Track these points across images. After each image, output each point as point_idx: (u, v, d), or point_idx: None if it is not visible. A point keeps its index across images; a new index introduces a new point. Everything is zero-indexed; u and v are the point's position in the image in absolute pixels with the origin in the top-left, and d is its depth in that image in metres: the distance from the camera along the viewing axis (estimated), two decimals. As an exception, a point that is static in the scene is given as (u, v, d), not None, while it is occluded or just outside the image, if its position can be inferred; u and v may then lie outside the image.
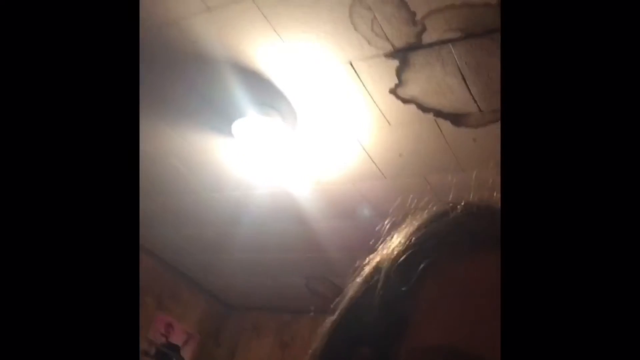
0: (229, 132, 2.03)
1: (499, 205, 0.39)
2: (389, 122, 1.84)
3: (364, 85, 1.72)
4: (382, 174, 2.11)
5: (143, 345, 3.39)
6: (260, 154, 2.12)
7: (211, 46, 1.72)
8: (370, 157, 2.04)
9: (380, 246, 0.43)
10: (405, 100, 1.73)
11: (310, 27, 1.55)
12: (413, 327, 0.36)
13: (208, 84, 1.88)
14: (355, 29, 1.52)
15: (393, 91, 1.71)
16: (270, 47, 1.66)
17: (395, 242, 0.41)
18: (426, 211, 0.42)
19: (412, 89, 1.68)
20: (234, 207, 2.61)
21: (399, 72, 1.64)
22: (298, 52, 1.65)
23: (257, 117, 1.88)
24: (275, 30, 1.60)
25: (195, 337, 3.75)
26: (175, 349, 3.62)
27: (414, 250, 0.39)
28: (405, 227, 0.42)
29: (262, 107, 1.87)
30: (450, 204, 0.41)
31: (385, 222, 0.46)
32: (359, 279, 0.43)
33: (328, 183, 2.25)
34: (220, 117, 2.01)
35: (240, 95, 1.85)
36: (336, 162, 2.11)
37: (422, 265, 0.37)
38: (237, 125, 1.93)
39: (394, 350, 0.37)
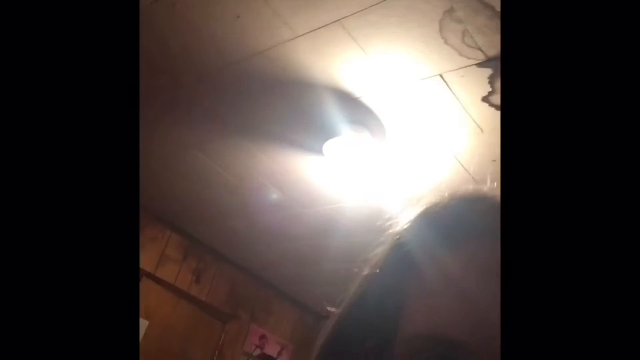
0: (319, 151, 2.07)
1: (494, 195, 0.40)
2: (481, 129, 1.82)
3: (455, 95, 1.70)
4: (475, 180, 2.07)
5: (240, 358, 3.50)
6: (351, 170, 2.15)
7: (302, 71, 1.76)
8: (463, 165, 2.01)
9: (381, 238, 0.44)
10: (498, 107, 1.70)
11: (398, 44, 1.56)
12: (404, 318, 0.37)
13: (298, 107, 1.93)
14: (446, 43, 1.52)
15: (486, 99, 1.68)
16: (358, 67, 1.68)
17: (392, 233, 0.42)
18: (422, 202, 0.43)
19: (506, 96, 1.65)
20: (325, 221, 2.65)
21: (492, 80, 1.61)
22: (387, 68, 1.66)
23: (347, 135, 1.91)
24: (363, 50, 1.62)
25: (288, 347, 3.83)
26: (271, 359, 3.72)
27: (409, 240, 0.40)
28: (402, 218, 0.43)
29: (352, 125, 1.89)
30: (446, 194, 0.42)
31: (386, 216, 0.46)
32: (362, 273, 0.44)
33: (419, 193, 2.24)
34: (311, 137, 2.05)
35: (330, 115, 1.89)
36: (428, 173, 2.10)
37: (416, 255, 0.39)
38: (328, 145, 1.96)
39: (392, 338, 0.37)
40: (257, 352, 3.63)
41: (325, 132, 1.97)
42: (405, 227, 0.42)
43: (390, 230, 0.43)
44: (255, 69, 1.80)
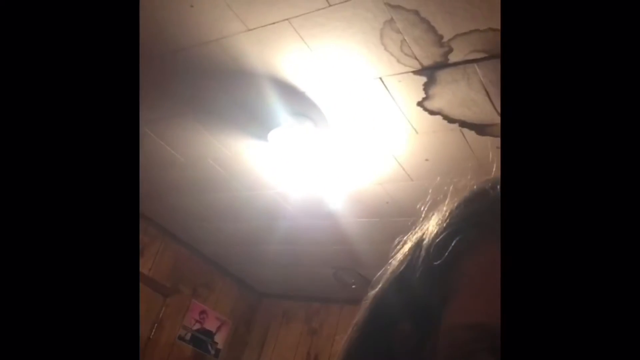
0: (265, 139, 2.17)
1: None
2: (416, 131, 1.95)
3: (392, 98, 1.83)
4: (409, 176, 2.22)
5: (179, 331, 3.59)
6: (294, 159, 2.26)
7: (251, 62, 1.85)
8: (399, 162, 2.15)
9: (422, 223, 0.43)
10: (432, 112, 1.84)
11: (343, 46, 1.67)
12: (453, 305, 0.36)
13: (247, 96, 2.02)
14: (386, 49, 1.63)
15: (420, 104, 1.82)
16: (305, 63, 1.78)
17: (435, 220, 0.41)
18: (467, 190, 0.41)
19: (438, 102, 1.79)
20: (269, 204, 2.76)
21: (427, 87, 1.74)
22: (331, 67, 1.77)
23: (291, 125, 2.01)
24: (309, 48, 1.72)
25: (227, 323, 3.94)
26: (209, 334, 3.82)
27: (452, 229, 0.38)
28: (446, 206, 0.41)
29: (296, 117, 2.00)
30: (490, 183, 0.40)
31: (427, 199, 0.45)
32: (400, 255, 0.43)
33: (357, 184, 2.37)
34: (257, 125, 2.15)
35: (275, 106, 1.98)
36: (365, 165, 2.23)
37: (460, 244, 0.37)
38: (273, 133, 2.06)
39: (434, 327, 0.36)
40: (197, 326, 3.72)
41: (270, 122, 2.06)
42: (449, 216, 0.40)
43: (433, 217, 0.41)
44: (207, 56, 1.88)
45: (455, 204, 0.41)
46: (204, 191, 2.82)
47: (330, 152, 2.19)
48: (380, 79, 1.75)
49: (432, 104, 1.80)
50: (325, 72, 1.80)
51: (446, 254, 0.37)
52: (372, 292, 0.43)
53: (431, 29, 1.51)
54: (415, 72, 1.69)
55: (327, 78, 1.82)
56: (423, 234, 0.41)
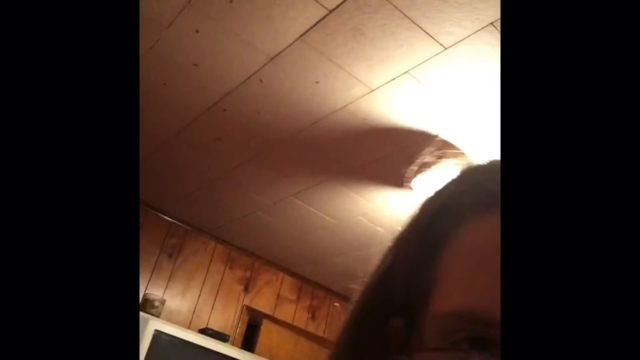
0: (409, 187, 2.20)
1: None
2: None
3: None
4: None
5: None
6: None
7: (380, 118, 1.92)
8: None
9: (403, 215, 0.41)
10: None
11: (467, 84, 1.67)
12: (434, 294, 0.34)
13: (382, 149, 2.08)
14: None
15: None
16: (434, 110, 1.81)
17: (414, 211, 0.40)
18: (442, 175, 0.41)
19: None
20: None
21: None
22: (460, 107, 1.77)
23: (432, 168, 2.02)
24: (434, 93, 1.74)
25: None
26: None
27: (433, 216, 0.37)
28: (424, 196, 0.40)
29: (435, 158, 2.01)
30: (466, 166, 0.39)
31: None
32: (384, 249, 0.42)
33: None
34: (399, 175, 2.19)
35: (412, 151, 2.02)
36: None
37: (435, 235, 0.36)
38: (416, 180, 2.09)
39: (420, 319, 0.35)
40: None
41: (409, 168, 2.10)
42: (428, 204, 0.39)
43: (414, 208, 0.41)
44: (338, 122, 1.98)
45: (434, 193, 0.40)
46: (359, 248, 2.90)
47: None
48: (513, 105, 1.72)
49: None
50: (454, 112, 1.80)
51: (434, 244, 0.36)
52: (361, 290, 0.42)
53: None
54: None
55: (456, 117, 1.82)
56: (403, 227, 0.41)
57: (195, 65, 1.89)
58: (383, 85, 1.77)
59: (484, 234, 0.33)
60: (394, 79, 1.73)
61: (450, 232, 0.35)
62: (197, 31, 1.74)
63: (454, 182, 0.39)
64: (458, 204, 0.36)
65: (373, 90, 1.80)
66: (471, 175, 0.38)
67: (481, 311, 0.30)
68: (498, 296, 0.29)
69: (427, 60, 1.63)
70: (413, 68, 1.67)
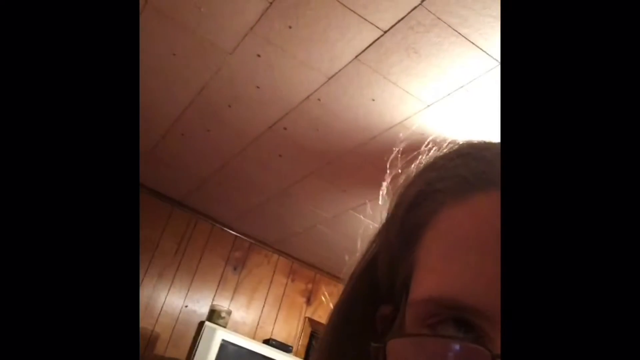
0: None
1: (493, 144, 0.37)
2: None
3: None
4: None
5: None
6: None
7: (436, 132, 1.95)
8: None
9: (383, 204, 0.41)
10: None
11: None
12: (413, 281, 0.34)
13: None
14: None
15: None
16: (486, 125, 1.83)
17: (392, 199, 0.40)
18: (416, 163, 0.40)
19: None
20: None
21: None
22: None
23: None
24: (490, 109, 1.76)
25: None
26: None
27: (411, 204, 0.37)
28: (401, 182, 0.40)
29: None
30: (441, 152, 0.39)
31: (386, 180, 0.44)
32: (368, 239, 0.42)
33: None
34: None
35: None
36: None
37: (415, 218, 0.36)
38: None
39: (402, 307, 0.35)
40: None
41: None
42: (405, 191, 0.39)
43: (393, 196, 0.40)
44: (394, 137, 2.03)
45: (410, 179, 0.39)
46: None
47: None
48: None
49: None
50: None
51: (412, 230, 0.36)
52: (347, 279, 0.42)
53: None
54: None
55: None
56: (384, 216, 0.40)
57: (258, 87, 1.99)
58: (438, 100, 1.80)
59: (458, 220, 0.33)
60: (449, 94, 1.77)
61: (428, 219, 0.35)
62: (258, 55, 1.84)
63: (429, 168, 0.39)
64: (435, 190, 0.35)
65: (429, 106, 1.84)
66: (447, 161, 0.38)
67: (457, 296, 0.30)
68: (471, 281, 0.30)
69: (482, 75, 1.65)
70: (468, 83, 1.70)
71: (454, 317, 0.30)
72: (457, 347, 0.29)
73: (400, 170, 0.43)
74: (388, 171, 0.44)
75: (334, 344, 0.40)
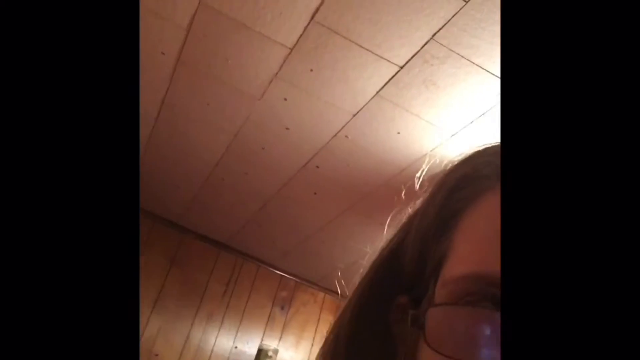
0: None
1: None
2: None
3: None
4: None
5: None
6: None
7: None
8: None
9: (413, 196, 0.42)
10: None
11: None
12: (449, 262, 0.34)
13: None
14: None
15: None
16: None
17: (426, 190, 0.40)
18: (447, 162, 0.41)
19: None
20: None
21: None
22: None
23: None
24: (514, 132, 1.77)
25: None
26: None
27: (453, 187, 0.37)
28: (436, 175, 0.41)
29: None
30: (474, 150, 0.40)
31: (417, 175, 0.44)
32: (393, 228, 0.42)
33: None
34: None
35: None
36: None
37: (456, 203, 0.36)
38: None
39: (431, 288, 0.35)
40: None
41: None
42: (439, 183, 0.40)
43: (425, 188, 0.41)
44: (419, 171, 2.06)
45: (445, 172, 0.40)
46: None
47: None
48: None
49: None
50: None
51: (446, 220, 0.36)
52: (368, 267, 0.42)
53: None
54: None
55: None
56: (415, 206, 0.41)
57: (287, 129, 2.09)
58: (462, 129, 1.83)
59: (494, 205, 0.33)
60: (471, 122, 1.79)
61: (469, 203, 0.35)
62: (285, 99, 1.94)
63: (476, 156, 0.39)
64: (481, 175, 0.36)
65: (453, 135, 1.87)
66: (494, 148, 0.38)
67: (493, 272, 0.30)
68: None
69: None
70: (488, 110, 1.73)
71: (492, 295, 0.30)
72: (498, 317, 0.29)
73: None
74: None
75: (355, 329, 0.41)
